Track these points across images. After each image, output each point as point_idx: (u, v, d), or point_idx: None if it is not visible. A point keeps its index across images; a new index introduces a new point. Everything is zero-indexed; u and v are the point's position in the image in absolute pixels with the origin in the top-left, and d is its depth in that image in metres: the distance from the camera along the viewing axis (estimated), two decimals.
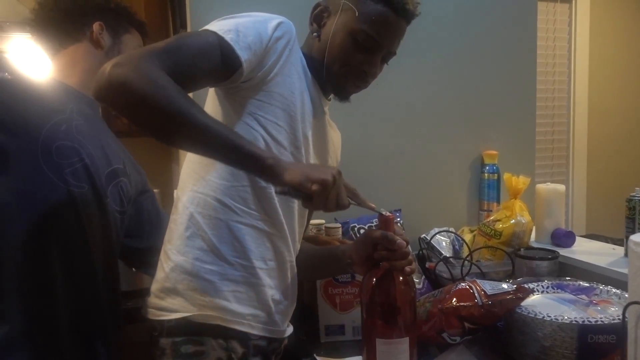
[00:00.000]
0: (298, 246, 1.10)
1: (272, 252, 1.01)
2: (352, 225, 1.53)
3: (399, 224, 1.56)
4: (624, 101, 3.28)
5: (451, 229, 1.62)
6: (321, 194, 0.86)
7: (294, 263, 1.08)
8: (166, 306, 0.97)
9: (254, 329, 0.99)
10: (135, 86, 0.79)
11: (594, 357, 1.00)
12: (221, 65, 0.90)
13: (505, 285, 1.14)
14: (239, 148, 0.85)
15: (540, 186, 1.60)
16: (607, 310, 1.08)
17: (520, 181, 1.50)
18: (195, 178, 1.00)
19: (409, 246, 1.01)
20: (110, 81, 0.79)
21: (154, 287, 1.01)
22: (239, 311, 0.97)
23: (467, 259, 1.40)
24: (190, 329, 0.95)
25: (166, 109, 0.80)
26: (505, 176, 1.54)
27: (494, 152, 1.74)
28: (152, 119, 0.82)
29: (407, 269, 0.97)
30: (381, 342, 0.95)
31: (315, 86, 1.07)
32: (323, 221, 1.49)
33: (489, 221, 1.53)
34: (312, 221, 1.49)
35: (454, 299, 1.10)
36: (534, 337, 1.05)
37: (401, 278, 0.98)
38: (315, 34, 1.06)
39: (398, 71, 1.63)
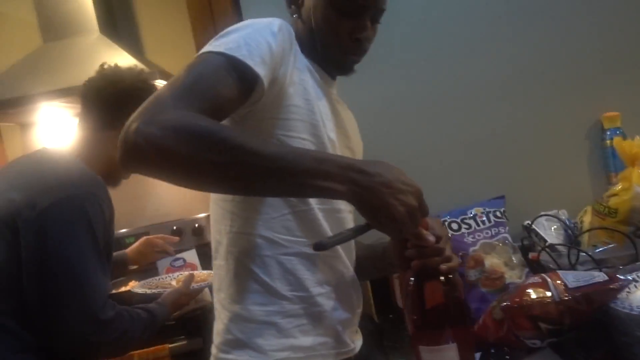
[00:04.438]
0: (354, 254, 1.04)
1: (328, 273, 0.97)
2: None
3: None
4: None
5: (562, 211, 1.39)
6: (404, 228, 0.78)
7: (353, 274, 1.02)
8: (234, 359, 0.93)
9: (326, 357, 0.96)
10: (177, 146, 0.70)
11: None
12: (239, 87, 0.81)
13: (595, 276, 0.95)
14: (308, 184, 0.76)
15: None
16: None
17: (634, 145, 1.22)
18: (232, 218, 0.95)
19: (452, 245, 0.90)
20: (141, 148, 0.70)
21: (217, 340, 0.97)
22: (308, 345, 0.94)
23: (572, 245, 1.19)
24: None
25: (223, 156, 0.72)
26: (615, 141, 1.28)
27: (615, 113, 1.46)
28: (209, 175, 0.74)
29: (443, 267, 0.86)
30: (424, 350, 0.86)
31: (321, 76, 0.99)
32: None
33: (603, 197, 1.28)
34: None
35: (523, 296, 0.94)
36: (637, 338, 0.85)
37: (442, 278, 0.87)
38: (295, 15, 1.00)
39: (489, 42, 1.51)
